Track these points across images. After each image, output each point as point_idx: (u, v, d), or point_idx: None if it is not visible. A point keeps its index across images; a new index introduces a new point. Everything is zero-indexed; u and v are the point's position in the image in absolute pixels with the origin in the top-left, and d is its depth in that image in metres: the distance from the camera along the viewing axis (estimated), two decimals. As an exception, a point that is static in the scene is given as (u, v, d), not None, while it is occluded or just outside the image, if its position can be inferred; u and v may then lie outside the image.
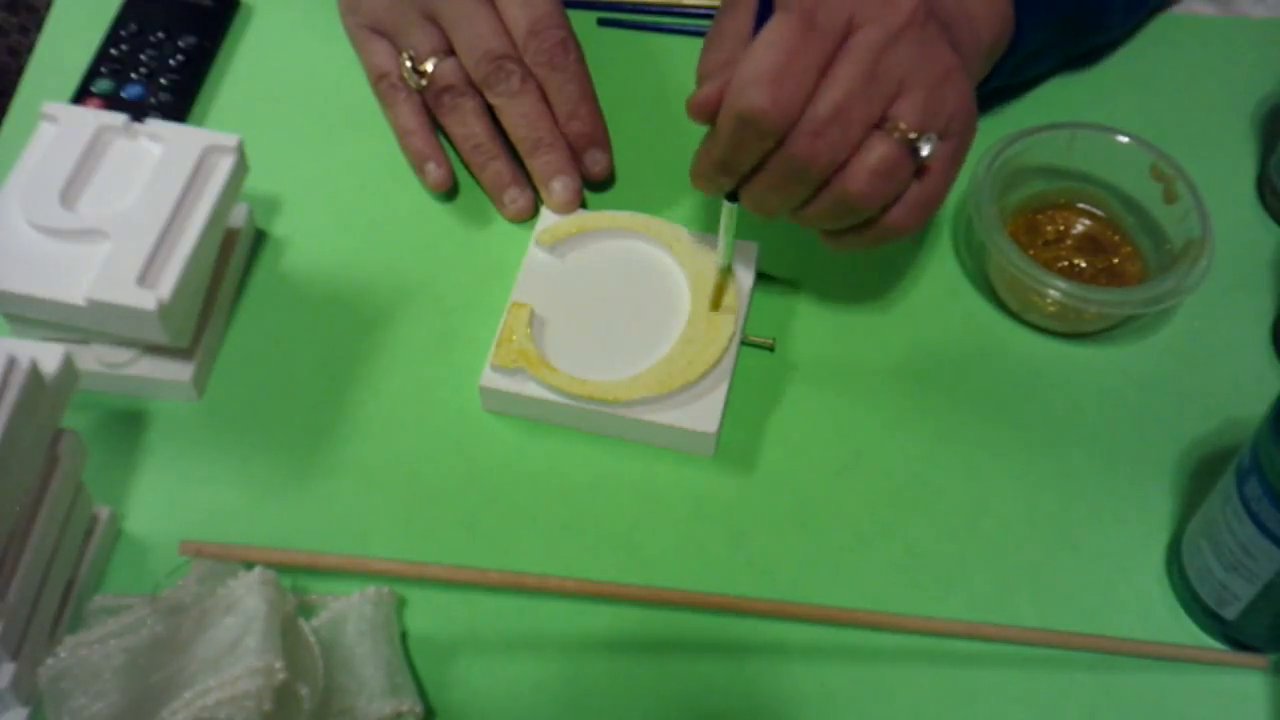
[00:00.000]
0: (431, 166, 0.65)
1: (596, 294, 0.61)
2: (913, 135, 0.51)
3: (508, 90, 0.63)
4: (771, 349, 0.61)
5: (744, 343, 0.60)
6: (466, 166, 0.66)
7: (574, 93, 0.64)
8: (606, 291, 0.61)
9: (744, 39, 0.53)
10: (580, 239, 0.62)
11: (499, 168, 0.65)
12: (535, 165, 0.64)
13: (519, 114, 0.63)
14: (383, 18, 0.66)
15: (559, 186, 0.63)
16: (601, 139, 0.65)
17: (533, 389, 0.57)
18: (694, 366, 0.57)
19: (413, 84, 0.65)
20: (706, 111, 0.52)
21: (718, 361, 0.57)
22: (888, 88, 0.51)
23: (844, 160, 0.51)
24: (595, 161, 0.65)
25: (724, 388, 0.57)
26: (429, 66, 0.64)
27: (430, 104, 0.66)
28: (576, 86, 0.64)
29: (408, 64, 0.65)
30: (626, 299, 0.61)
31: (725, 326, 0.58)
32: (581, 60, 0.64)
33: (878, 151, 0.51)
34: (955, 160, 0.54)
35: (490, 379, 0.58)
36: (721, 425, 0.57)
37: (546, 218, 0.63)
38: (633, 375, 0.57)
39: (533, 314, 0.59)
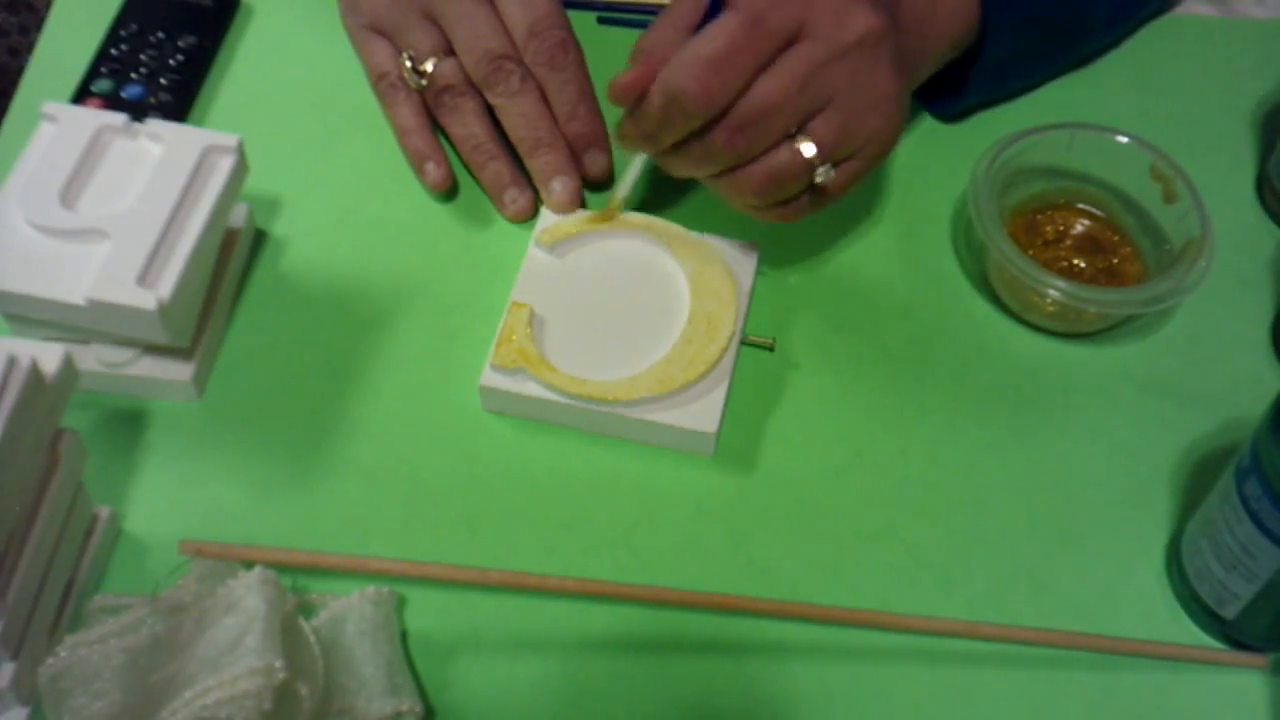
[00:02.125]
0: (431, 166, 0.65)
1: (596, 294, 0.61)
2: (815, 158, 0.54)
3: (507, 90, 0.63)
4: (771, 349, 0.61)
5: (744, 343, 0.60)
6: (466, 167, 0.66)
7: (573, 93, 0.64)
8: (606, 291, 0.61)
9: (680, 27, 0.55)
10: (580, 239, 0.62)
11: (499, 168, 0.65)
12: (535, 165, 0.64)
13: (518, 114, 0.63)
14: (383, 17, 0.66)
15: (559, 186, 0.63)
16: (601, 139, 0.65)
17: (533, 389, 0.57)
18: (694, 366, 0.57)
19: (412, 84, 0.65)
20: (628, 94, 0.54)
21: (717, 361, 0.57)
22: (814, 102, 0.54)
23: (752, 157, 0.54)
24: (595, 161, 0.65)
25: (724, 387, 0.57)
26: (429, 66, 0.64)
27: (430, 104, 0.66)
28: (576, 87, 0.64)
29: (407, 64, 0.65)
30: (626, 299, 0.61)
31: (725, 327, 0.58)
32: (581, 61, 0.64)
33: (779, 161, 0.54)
34: (852, 180, 0.57)
35: (490, 379, 0.58)
36: (721, 425, 0.57)
37: (546, 218, 0.63)
38: (632, 375, 0.57)
39: (532, 314, 0.59)
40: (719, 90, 0.52)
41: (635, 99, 0.54)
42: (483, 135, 0.65)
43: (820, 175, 0.55)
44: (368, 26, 0.67)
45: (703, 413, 0.57)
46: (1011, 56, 0.66)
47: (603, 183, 0.66)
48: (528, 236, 0.63)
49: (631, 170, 0.60)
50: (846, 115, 0.54)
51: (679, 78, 0.52)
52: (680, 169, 0.57)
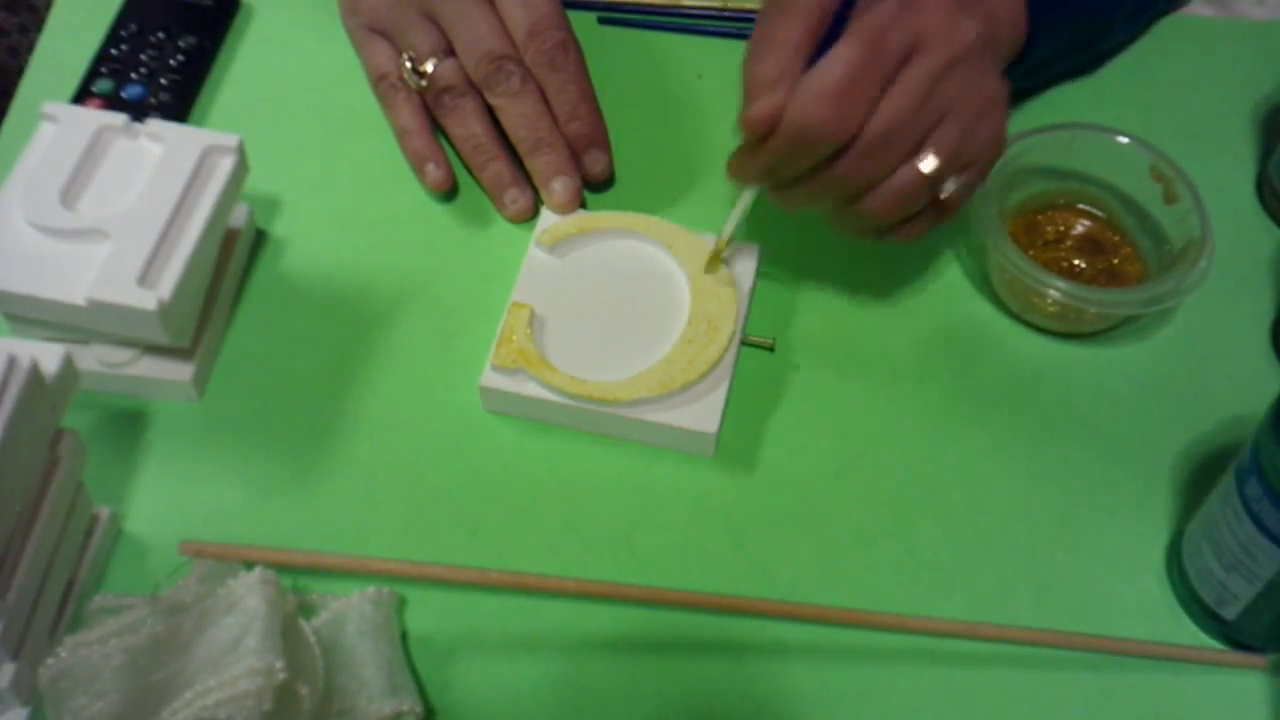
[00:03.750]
0: (431, 167, 0.65)
1: (596, 294, 0.61)
2: (936, 173, 0.53)
3: (508, 91, 0.63)
4: (771, 349, 0.61)
5: (744, 343, 0.60)
6: (466, 167, 0.66)
7: (574, 93, 0.64)
8: (606, 291, 0.61)
9: (798, 49, 0.52)
10: (580, 239, 0.62)
11: (499, 168, 0.65)
12: (535, 165, 0.64)
13: (519, 114, 0.63)
14: (383, 18, 0.66)
15: (559, 187, 0.63)
16: (601, 139, 0.65)
17: (533, 389, 0.57)
18: (694, 366, 0.57)
19: (412, 84, 0.65)
20: (764, 126, 0.52)
21: (717, 362, 0.57)
22: (934, 116, 0.52)
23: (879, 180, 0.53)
24: (595, 162, 0.65)
25: (724, 388, 0.57)
26: (429, 67, 0.64)
27: (430, 104, 0.66)
28: (576, 87, 0.64)
29: (407, 64, 0.65)
30: (626, 299, 0.61)
31: (725, 327, 0.58)
32: (581, 61, 0.64)
33: (903, 181, 0.53)
34: (970, 190, 0.56)
35: (490, 379, 0.58)
36: (721, 425, 0.57)
37: (547, 218, 0.63)
38: (633, 375, 0.57)
39: (533, 314, 0.59)
40: (853, 119, 0.50)
41: (768, 131, 0.52)
42: (483, 135, 0.65)
43: (945, 190, 0.54)
44: (367, 27, 0.67)
45: (703, 413, 0.57)
46: (1046, 58, 0.65)
47: (603, 183, 0.66)
48: (528, 237, 0.63)
49: (738, 208, 0.58)
50: (963, 125, 0.53)
51: (810, 110, 0.50)
52: (798, 203, 0.55)
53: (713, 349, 0.58)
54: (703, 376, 0.57)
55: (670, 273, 0.61)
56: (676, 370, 0.57)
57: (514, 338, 0.58)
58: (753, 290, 0.61)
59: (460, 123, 0.65)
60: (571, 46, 0.64)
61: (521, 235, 0.64)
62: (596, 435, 0.58)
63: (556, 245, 0.62)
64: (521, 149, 0.64)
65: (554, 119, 0.64)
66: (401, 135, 0.66)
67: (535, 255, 0.62)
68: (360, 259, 0.64)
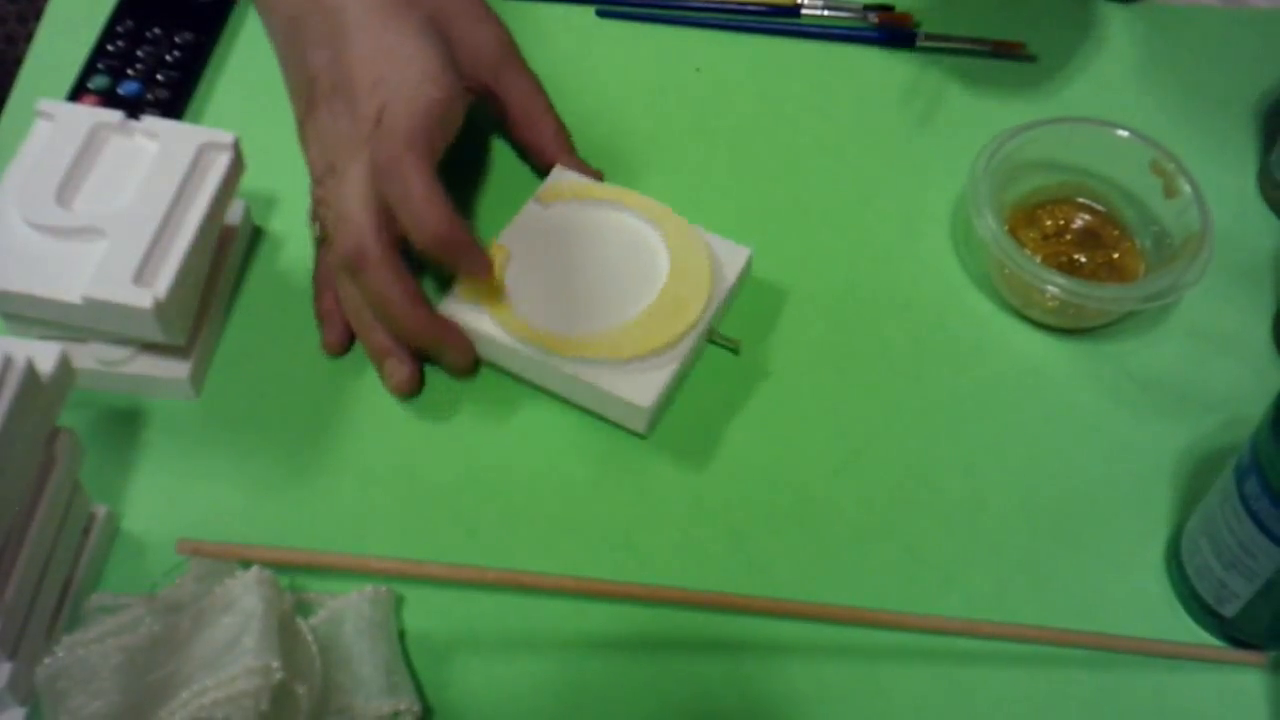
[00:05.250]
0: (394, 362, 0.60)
1: (578, 255, 0.61)
2: None
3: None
4: (737, 351, 0.60)
5: (711, 340, 0.60)
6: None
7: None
8: (587, 255, 0.61)
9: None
10: (578, 204, 0.62)
11: (379, 337, 0.59)
12: (365, 347, 0.60)
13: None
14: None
15: (390, 368, 0.59)
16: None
17: (486, 326, 0.58)
18: (648, 340, 0.57)
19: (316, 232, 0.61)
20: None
21: (674, 344, 0.57)
22: None
23: None
24: (392, 372, 0.59)
25: (672, 369, 0.57)
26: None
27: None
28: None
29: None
30: (604, 266, 0.61)
31: (692, 311, 0.58)
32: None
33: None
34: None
35: (448, 307, 0.58)
36: (660, 406, 0.57)
37: (553, 178, 0.63)
38: (588, 334, 0.57)
39: (509, 258, 0.59)
40: None
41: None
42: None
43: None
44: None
45: (643, 386, 0.56)
46: None
47: (597, 177, 0.65)
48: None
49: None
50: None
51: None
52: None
53: (672, 329, 0.57)
54: (654, 353, 0.57)
55: (654, 251, 0.61)
56: (629, 340, 0.57)
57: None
58: (733, 292, 0.61)
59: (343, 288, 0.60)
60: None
61: (519, 231, 0.64)
62: (541, 390, 0.58)
63: (554, 204, 0.62)
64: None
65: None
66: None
67: (531, 209, 0.62)
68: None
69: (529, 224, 0.62)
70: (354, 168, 0.57)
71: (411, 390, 0.59)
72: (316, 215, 0.60)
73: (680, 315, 0.58)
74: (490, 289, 0.58)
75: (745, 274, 0.62)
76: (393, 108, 0.57)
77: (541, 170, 0.65)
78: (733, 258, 0.61)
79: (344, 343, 0.61)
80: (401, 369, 0.59)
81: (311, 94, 0.60)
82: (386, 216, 0.57)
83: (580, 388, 0.57)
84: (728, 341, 0.60)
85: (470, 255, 0.57)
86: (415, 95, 0.57)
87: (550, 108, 0.66)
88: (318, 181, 0.60)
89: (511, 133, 0.66)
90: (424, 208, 0.55)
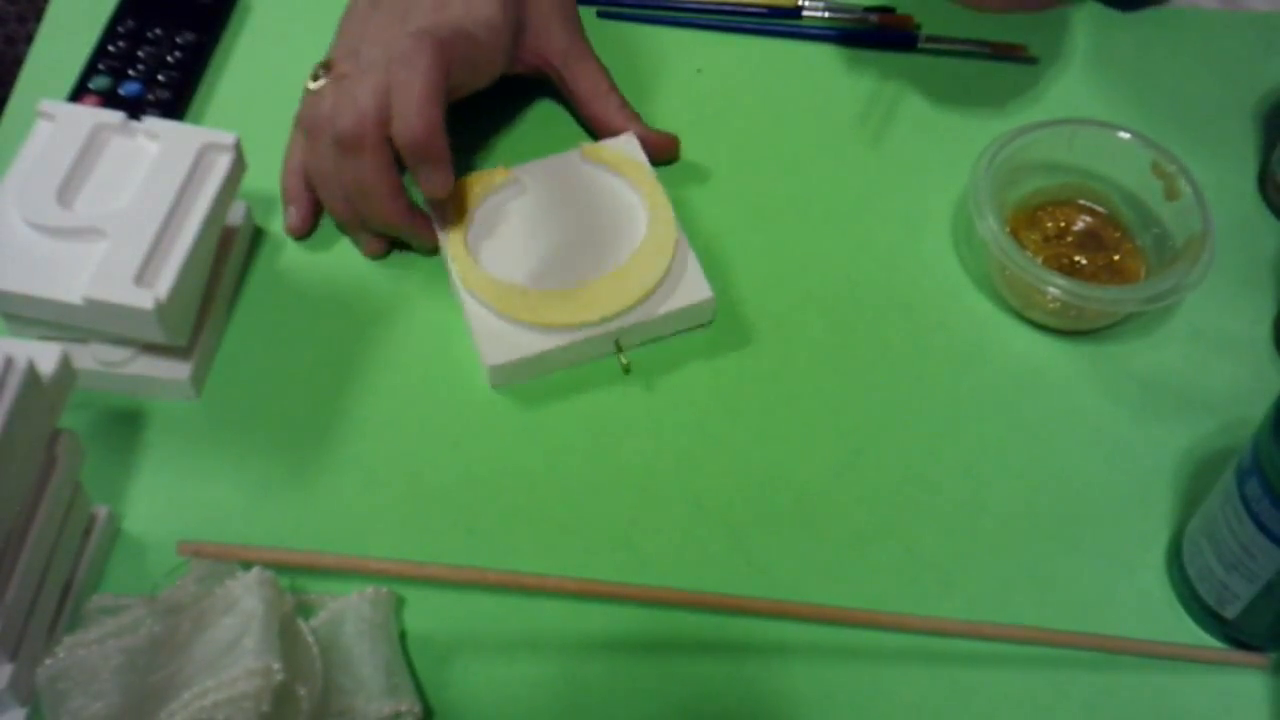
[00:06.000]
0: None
1: (568, 215, 0.62)
2: None
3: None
4: (627, 371, 0.60)
5: (616, 349, 0.60)
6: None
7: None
8: (576, 219, 0.62)
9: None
10: (610, 174, 0.64)
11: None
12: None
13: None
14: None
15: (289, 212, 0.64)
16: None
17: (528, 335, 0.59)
18: (550, 315, 0.58)
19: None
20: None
21: (561, 328, 0.58)
22: None
23: None
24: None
25: (542, 349, 0.58)
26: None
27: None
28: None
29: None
30: (580, 234, 0.62)
31: (597, 312, 0.59)
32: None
33: None
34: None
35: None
36: (517, 375, 0.59)
37: (616, 142, 0.64)
38: (519, 284, 0.59)
39: (507, 182, 0.62)
40: None
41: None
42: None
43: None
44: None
45: (502, 347, 0.58)
46: None
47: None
48: (526, 234, 0.63)
49: None
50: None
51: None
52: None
53: (572, 316, 0.59)
54: (543, 327, 0.58)
55: (632, 242, 0.61)
56: (634, 283, 0.59)
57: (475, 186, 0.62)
58: (672, 322, 0.60)
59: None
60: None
61: (520, 232, 0.64)
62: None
63: (588, 163, 0.64)
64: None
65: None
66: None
67: (568, 156, 0.64)
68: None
69: (553, 168, 0.64)
70: (376, 53, 0.60)
71: (301, 235, 0.64)
72: (311, 94, 0.62)
73: (590, 309, 0.59)
74: (451, 209, 0.61)
75: (697, 313, 0.60)
76: (441, 22, 0.60)
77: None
78: (688, 291, 0.60)
79: (309, 224, 0.65)
80: (374, 242, 0.64)
81: None
82: (391, 112, 0.59)
83: (639, 330, 0.59)
84: (622, 358, 0.60)
85: (436, 169, 0.58)
86: (463, 22, 0.61)
87: (616, 86, 0.67)
88: (335, 60, 0.62)
89: (581, 110, 0.67)
90: (418, 106, 0.57)
